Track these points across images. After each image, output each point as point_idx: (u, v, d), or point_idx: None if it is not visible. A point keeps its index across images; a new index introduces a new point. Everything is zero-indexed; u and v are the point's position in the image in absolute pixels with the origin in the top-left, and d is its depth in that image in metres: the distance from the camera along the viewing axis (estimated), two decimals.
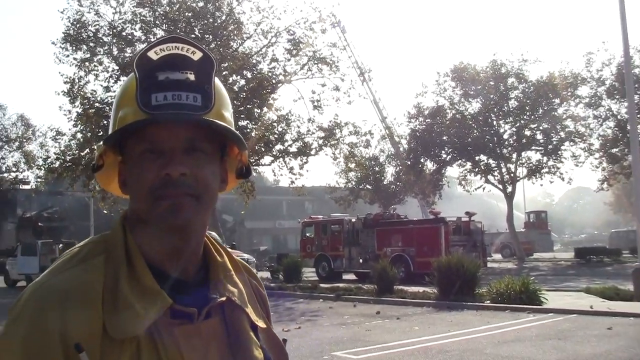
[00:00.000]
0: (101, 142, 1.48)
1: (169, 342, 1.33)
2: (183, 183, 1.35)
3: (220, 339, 1.43)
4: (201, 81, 1.38)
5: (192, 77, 1.37)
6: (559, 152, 45.54)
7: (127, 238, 1.43)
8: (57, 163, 31.27)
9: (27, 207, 64.23)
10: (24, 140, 56.00)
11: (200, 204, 1.39)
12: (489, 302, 18.24)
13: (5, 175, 58.86)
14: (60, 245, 34.60)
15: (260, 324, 1.53)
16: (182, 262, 1.44)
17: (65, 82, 31.05)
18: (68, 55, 31.27)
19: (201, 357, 1.37)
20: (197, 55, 1.40)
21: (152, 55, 1.38)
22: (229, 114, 1.48)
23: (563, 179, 46.23)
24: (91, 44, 31.37)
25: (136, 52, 1.42)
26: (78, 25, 31.02)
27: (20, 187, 61.74)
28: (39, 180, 53.10)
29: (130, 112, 1.38)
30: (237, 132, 1.44)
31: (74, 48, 31.15)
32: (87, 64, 31.23)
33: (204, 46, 1.45)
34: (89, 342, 1.26)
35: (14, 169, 58.12)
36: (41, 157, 41.96)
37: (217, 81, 1.44)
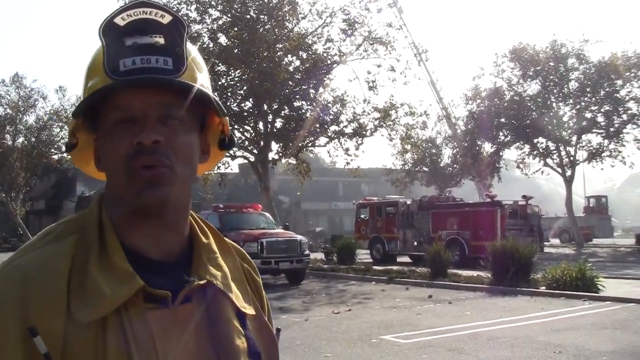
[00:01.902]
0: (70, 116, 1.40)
1: (139, 326, 1.24)
2: (156, 151, 1.27)
3: (199, 326, 1.33)
4: (171, 44, 1.32)
5: (161, 40, 1.31)
6: (621, 135, 44.36)
7: (102, 216, 1.35)
8: None
9: (86, 187, 65.66)
10: None
11: (174, 174, 1.30)
12: (544, 288, 17.91)
13: (66, 155, 59.98)
14: None
15: (249, 310, 1.42)
16: (161, 242, 1.35)
17: None
18: None
19: (176, 345, 1.27)
20: (167, 19, 1.33)
21: (119, 21, 1.30)
22: (204, 78, 1.40)
23: (625, 163, 45.07)
24: None
25: (103, 20, 1.30)
26: None
27: None
28: None
29: (99, 81, 1.31)
30: (214, 96, 1.36)
31: None
32: None
33: (173, 9, 1.35)
34: (49, 325, 1.19)
35: None
36: None
37: (190, 45, 1.36)
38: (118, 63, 1.27)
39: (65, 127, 57.34)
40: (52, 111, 56.95)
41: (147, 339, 1.24)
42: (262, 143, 31.88)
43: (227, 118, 1.46)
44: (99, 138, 1.37)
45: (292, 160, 33.68)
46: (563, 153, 46.35)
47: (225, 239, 1.53)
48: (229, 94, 31.07)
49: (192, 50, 1.38)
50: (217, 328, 1.35)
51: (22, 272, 1.24)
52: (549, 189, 58.19)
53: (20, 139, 57.73)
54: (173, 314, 1.29)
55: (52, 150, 58.87)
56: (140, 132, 1.27)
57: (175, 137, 1.30)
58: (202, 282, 1.35)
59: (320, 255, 32.91)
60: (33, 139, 57.20)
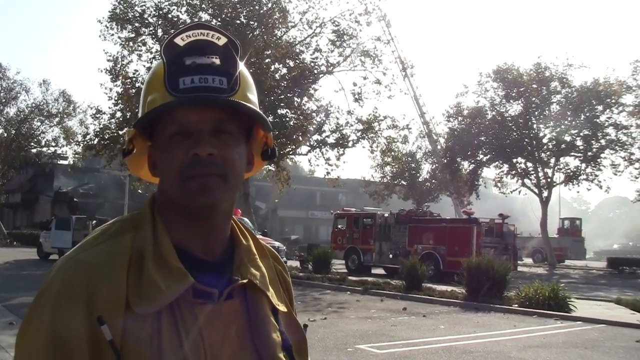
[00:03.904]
0: (131, 126, 1.51)
1: (189, 320, 1.37)
2: (211, 163, 1.39)
3: (240, 321, 1.45)
4: (226, 65, 1.43)
5: (217, 61, 1.42)
6: (599, 160, 44.94)
7: (154, 218, 1.47)
8: (96, 140, 31.68)
9: (63, 182, 65.17)
10: (65, 116, 56.65)
11: (227, 183, 1.42)
12: (516, 305, 18.10)
13: (45, 149, 59.62)
14: (94, 221, 35.15)
15: (282, 308, 1.55)
16: (207, 242, 1.48)
17: (109, 60, 31.42)
18: (113, 34, 31.65)
19: (220, 337, 1.40)
20: (222, 41, 1.46)
21: (179, 41, 1.43)
22: (254, 96, 1.52)
23: (601, 187, 45.66)
24: (136, 24, 31.67)
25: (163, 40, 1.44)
26: (125, 5, 31.30)
27: (58, 162, 62.63)
28: (76, 156, 53.80)
29: (159, 96, 1.42)
30: (262, 114, 1.47)
31: (120, 27, 31.49)
32: (131, 43, 31.56)
33: (228, 32, 1.49)
34: (112, 315, 1.31)
35: (53, 144, 58.88)
36: (80, 134, 42.54)
37: (242, 66, 1.48)
38: (178, 81, 1.39)
39: (46, 121, 57.03)
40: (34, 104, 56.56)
41: (196, 331, 1.37)
42: None
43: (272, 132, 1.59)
44: (155, 146, 1.49)
45: (272, 167, 33.74)
46: (541, 174, 46.75)
47: (260, 241, 1.65)
48: None
49: (244, 70, 1.50)
50: (256, 323, 1.48)
51: (87, 266, 1.35)
52: (523, 207, 58.38)
53: (0, 131, 57.42)
54: (218, 309, 1.42)
55: (32, 143, 58.44)
56: (196, 145, 1.39)
57: (227, 150, 1.42)
58: (244, 280, 1.48)
59: (295, 263, 32.93)
60: (13, 132, 56.77)
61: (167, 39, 1.44)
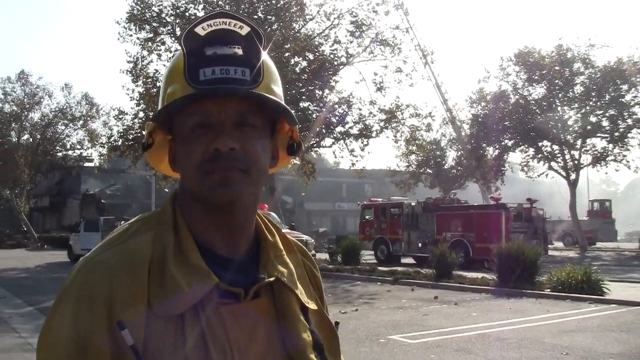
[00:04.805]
0: (150, 120, 1.46)
1: (214, 321, 1.32)
2: (232, 157, 1.34)
3: (268, 320, 1.41)
4: (249, 56, 1.38)
5: (239, 51, 1.37)
6: (626, 140, 44.33)
7: (176, 215, 1.43)
8: (120, 141, 31.90)
9: (90, 184, 65.80)
10: (88, 118, 57.04)
11: (249, 178, 1.37)
12: (549, 290, 17.95)
13: (70, 152, 60.12)
14: (122, 222, 35.26)
15: (312, 305, 1.49)
16: (231, 239, 1.43)
17: (129, 62, 31.56)
18: (131, 35, 31.79)
19: (247, 338, 1.35)
20: (245, 30, 1.39)
21: (200, 31, 1.38)
22: (278, 88, 1.47)
23: (629, 168, 45.11)
24: (154, 24, 31.73)
25: (184, 29, 1.38)
26: (142, 5, 31.40)
27: (84, 164, 63.20)
28: (102, 158, 54.25)
29: (179, 88, 1.37)
30: (287, 107, 1.42)
31: (138, 28, 31.58)
32: (149, 43, 31.66)
33: (251, 21, 1.42)
34: (133, 318, 1.27)
35: (78, 147, 59.33)
36: (105, 136, 42.86)
37: (266, 56, 1.43)
38: (198, 72, 1.33)
39: (70, 124, 57.56)
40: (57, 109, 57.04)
41: (221, 332, 1.32)
42: None
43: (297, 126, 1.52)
44: (175, 140, 1.44)
45: (297, 161, 33.78)
46: (567, 157, 46.31)
47: (288, 236, 1.59)
48: None
49: (268, 60, 1.44)
50: (285, 323, 1.42)
51: (108, 267, 1.31)
52: (550, 191, 58.01)
53: (25, 136, 57.85)
54: (244, 309, 1.37)
55: (57, 147, 58.98)
56: (217, 139, 1.33)
57: (249, 143, 1.36)
58: (271, 278, 1.42)
59: (324, 256, 32.97)
60: (38, 136, 57.29)
61: (188, 28, 1.38)
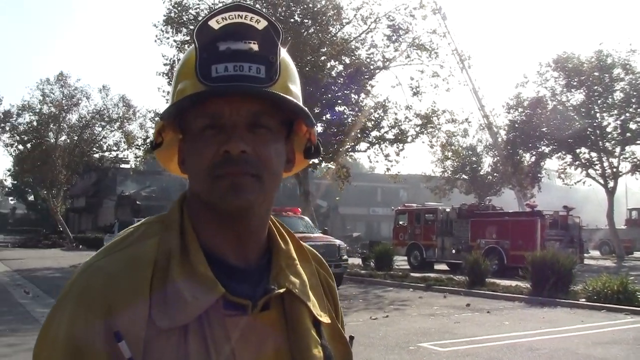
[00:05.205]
0: (158, 118, 1.39)
1: (219, 334, 1.25)
2: (244, 161, 1.27)
3: (277, 335, 1.33)
4: (265, 52, 1.30)
5: (255, 47, 1.29)
6: None
7: (183, 220, 1.36)
8: None
9: (126, 186, 66.52)
10: (125, 120, 57.71)
11: (261, 184, 1.30)
12: (584, 300, 17.67)
13: (107, 154, 60.87)
14: None
15: (325, 319, 1.41)
16: (241, 247, 1.36)
17: (165, 64, 31.79)
18: (168, 38, 32.01)
19: (254, 353, 1.29)
20: (262, 24, 1.31)
21: (214, 24, 1.29)
22: (296, 87, 1.38)
23: None
24: (191, 27, 31.87)
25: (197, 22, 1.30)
26: (179, 8, 31.58)
27: (120, 166, 63.98)
28: (138, 159, 54.76)
29: (189, 85, 1.30)
30: (305, 107, 1.33)
31: (175, 30, 31.79)
32: (186, 46, 31.82)
33: (269, 14, 1.34)
34: (132, 330, 1.20)
35: (114, 148, 60.13)
36: (141, 138, 43.27)
37: (283, 52, 1.35)
38: (210, 68, 1.26)
39: (107, 126, 58.23)
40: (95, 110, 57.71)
41: (227, 346, 1.24)
42: None
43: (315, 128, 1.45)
44: (184, 140, 1.37)
45: (332, 165, 33.73)
46: (606, 164, 45.75)
47: (303, 244, 1.52)
48: None
49: (286, 57, 1.37)
50: (295, 337, 1.34)
51: (106, 274, 1.25)
52: (587, 198, 57.29)
53: (63, 137, 58.67)
54: (252, 322, 1.29)
55: (94, 148, 59.68)
56: (228, 141, 1.27)
57: (262, 147, 1.29)
58: (281, 290, 1.35)
59: (357, 261, 32.84)
60: (75, 138, 58.14)
61: (201, 21, 1.31)
